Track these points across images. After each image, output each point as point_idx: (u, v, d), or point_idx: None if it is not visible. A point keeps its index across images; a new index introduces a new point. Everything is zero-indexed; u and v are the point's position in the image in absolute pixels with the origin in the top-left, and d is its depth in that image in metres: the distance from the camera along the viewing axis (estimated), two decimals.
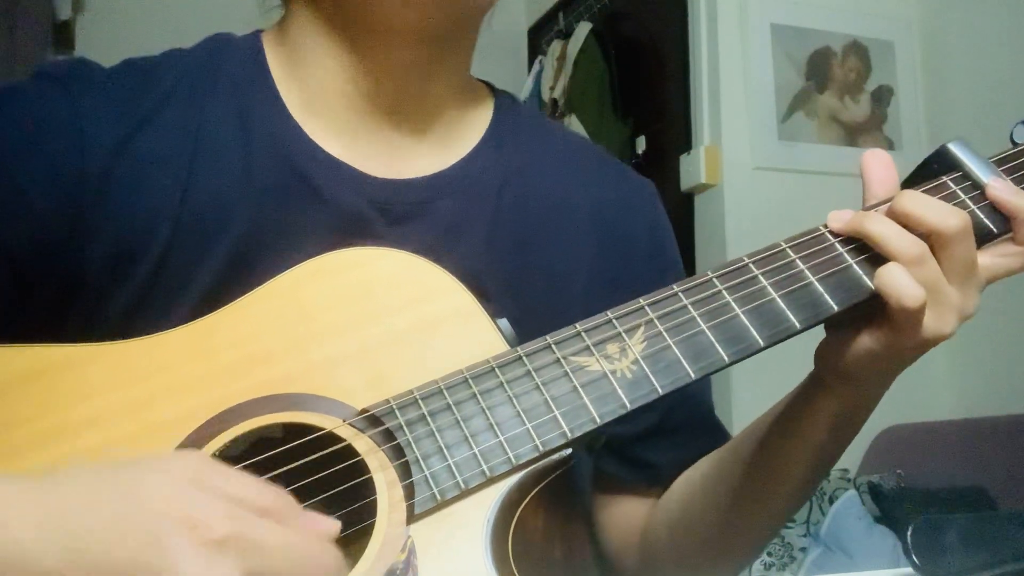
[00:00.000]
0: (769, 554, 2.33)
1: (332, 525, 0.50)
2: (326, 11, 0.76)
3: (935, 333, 0.62)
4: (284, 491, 0.51)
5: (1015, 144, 0.71)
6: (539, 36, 3.90)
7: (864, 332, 0.64)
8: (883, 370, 0.66)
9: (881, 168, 0.68)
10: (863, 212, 0.66)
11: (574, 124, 3.19)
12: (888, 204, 0.66)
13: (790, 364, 0.77)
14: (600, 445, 0.82)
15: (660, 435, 0.82)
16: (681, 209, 2.78)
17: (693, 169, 2.77)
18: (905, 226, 0.63)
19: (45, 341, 0.64)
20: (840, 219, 0.65)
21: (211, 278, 0.71)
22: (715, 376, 0.67)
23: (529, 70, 3.72)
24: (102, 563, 0.44)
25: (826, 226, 0.66)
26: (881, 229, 0.63)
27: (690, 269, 0.87)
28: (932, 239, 0.62)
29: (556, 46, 3.48)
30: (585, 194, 0.83)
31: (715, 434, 0.85)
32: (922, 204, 0.63)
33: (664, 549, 0.81)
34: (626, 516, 0.84)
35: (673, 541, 0.80)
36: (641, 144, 3.13)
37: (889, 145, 2.89)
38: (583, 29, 3.31)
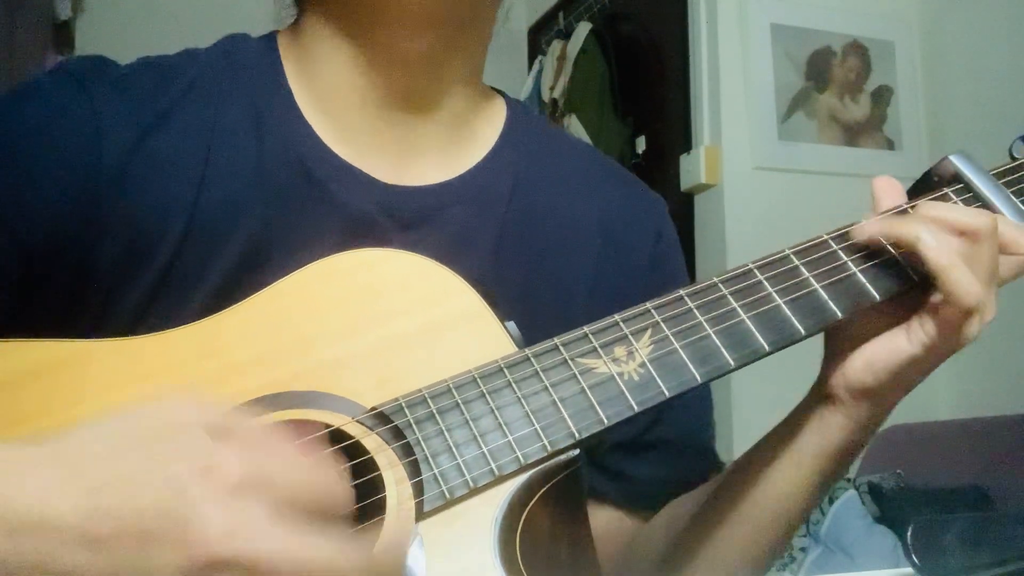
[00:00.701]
0: None
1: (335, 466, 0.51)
2: (338, 4, 0.76)
3: (967, 335, 0.64)
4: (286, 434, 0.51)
5: (1014, 159, 0.72)
6: (539, 36, 3.90)
7: (900, 335, 0.65)
8: (914, 375, 0.66)
9: (891, 190, 0.70)
10: (891, 216, 0.67)
11: (574, 124, 3.19)
12: (901, 209, 0.67)
13: (790, 370, 0.77)
14: (605, 449, 0.82)
15: (638, 446, 0.82)
16: (681, 209, 2.79)
17: (693, 169, 2.77)
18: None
19: (55, 336, 0.64)
20: (868, 226, 0.66)
21: (222, 277, 0.71)
22: (715, 383, 0.67)
23: (529, 70, 3.72)
24: (124, 514, 0.44)
25: (829, 234, 0.67)
26: (916, 228, 0.63)
27: (690, 269, 0.87)
28: (967, 239, 0.63)
29: (556, 46, 3.48)
30: (592, 205, 0.84)
31: (702, 458, 0.85)
32: (949, 208, 0.64)
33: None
34: (601, 532, 0.83)
35: (654, 570, 0.80)
36: (641, 144, 3.13)
37: (889, 145, 2.90)
38: (583, 29, 3.31)
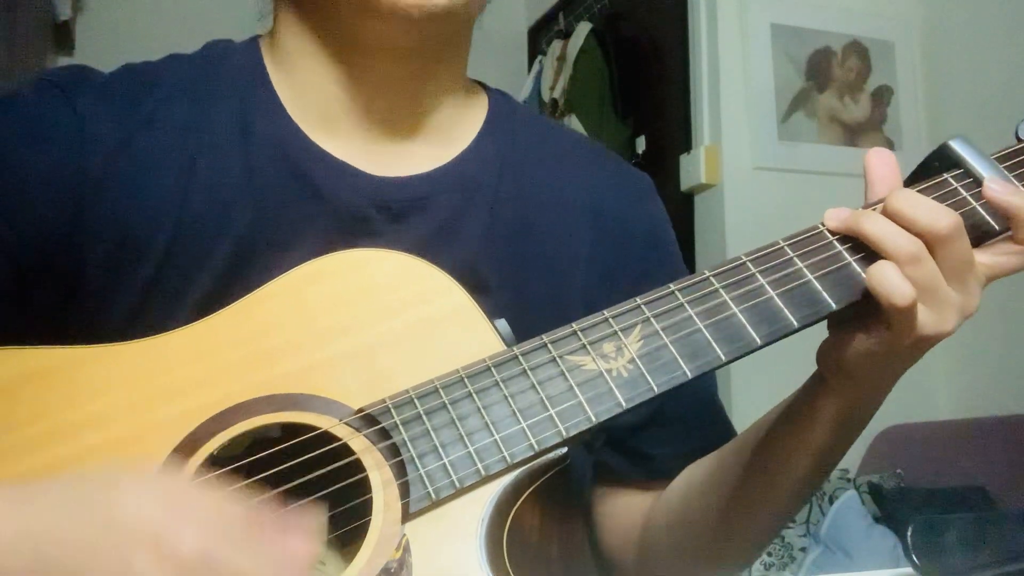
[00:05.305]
0: (769, 554, 2.33)
1: (309, 549, 0.50)
2: (312, 23, 0.76)
3: (935, 331, 0.62)
4: (263, 507, 0.50)
5: (1020, 140, 0.71)
6: (539, 36, 3.90)
7: (862, 331, 0.63)
8: (884, 369, 0.65)
9: (884, 167, 0.68)
10: (860, 211, 0.65)
11: (574, 124, 3.19)
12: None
13: (790, 364, 0.77)
14: (600, 444, 0.82)
15: (655, 426, 0.82)
16: (681, 209, 2.78)
17: (693, 169, 2.77)
18: (900, 225, 0.63)
19: (51, 342, 0.64)
20: (836, 217, 0.65)
21: (212, 278, 0.71)
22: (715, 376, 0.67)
23: (529, 70, 3.71)
24: (68, 574, 0.44)
25: (824, 224, 0.66)
26: (876, 228, 0.62)
27: (690, 269, 0.87)
28: (926, 239, 0.62)
29: (556, 46, 3.48)
30: (582, 187, 0.84)
31: (716, 427, 0.85)
32: (913, 204, 0.62)
33: (662, 548, 0.81)
34: (623, 510, 0.84)
35: (671, 540, 0.80)
36: (641, 144, 3.13)
37: (889, 145, 2.89)
38: (583, 29, 3.30)
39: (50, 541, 0.45)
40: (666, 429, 0.83)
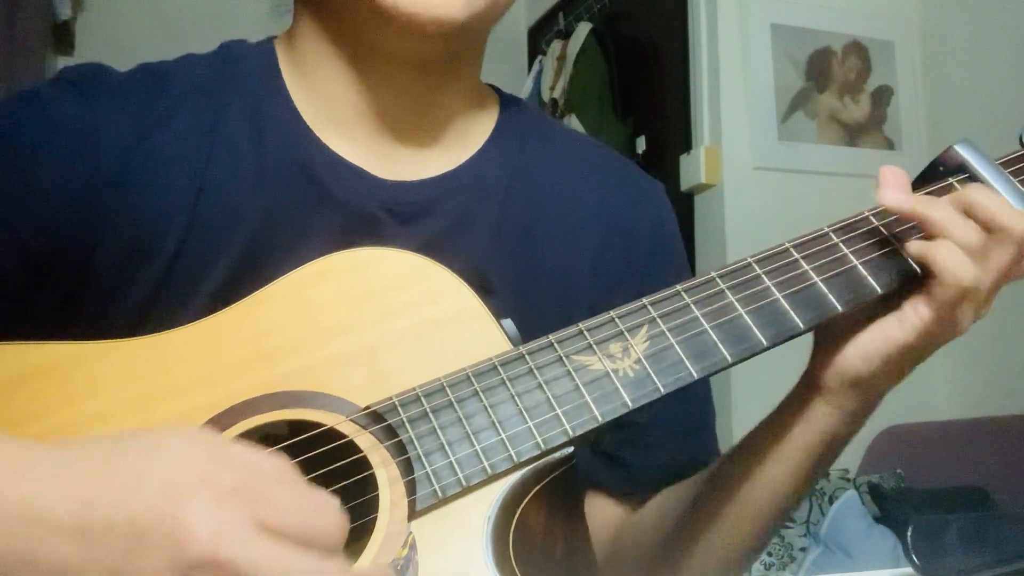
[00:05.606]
0: (769, 554, 2.33)
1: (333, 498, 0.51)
2: (332, 31, 0.77)
3: (960, 320, 0.62)
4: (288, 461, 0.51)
5: (1023, 145, 0.71)
6: (539, 36, 3.90)
7: (892, 321, 0.63)
8: (902, 365, 0.65)
9: (895, 177, 0.68)
10: (924, 196, 0.65)
11: (574, 124, 3.19)
12: (941, 187, 0.66)
13: (791, 365, 0.77)
14: (604, 443, 0.82)
15: (634, 431, 0.81)
16: (681, 209, 2.78)
17: (693, 169, 2.77)
18: (970, 216, 0.63)
19: (56, 339, 0.64)
20: (896, 198, 0.64)
21: (222, 278, 0.71)
22: (714, 378, 0.67)
23: (529, 70, 3.72)
24: (117, 512, 0.45)
25: (830, 227, 0.66)
26: (944, 215, 0.62)
27: (690, 269, 0.86)
28: (992, 236, 0.62)
29: (556, 46, 3.48)
30: (591, 191, 0.84)
31: (699, 442, 0.84)
32: (996, 200, 0.63)
33: (635, 561, 0.80)
34: (591, 514, 0.83)
35: (644, 556, 0.79)
36: (641, 144, 3.13)
37: (889, 145, 2.90)
38: (583, 29, 3.31)
39: (93, 483, 0.46)
40: (647, 436, 0.82)
